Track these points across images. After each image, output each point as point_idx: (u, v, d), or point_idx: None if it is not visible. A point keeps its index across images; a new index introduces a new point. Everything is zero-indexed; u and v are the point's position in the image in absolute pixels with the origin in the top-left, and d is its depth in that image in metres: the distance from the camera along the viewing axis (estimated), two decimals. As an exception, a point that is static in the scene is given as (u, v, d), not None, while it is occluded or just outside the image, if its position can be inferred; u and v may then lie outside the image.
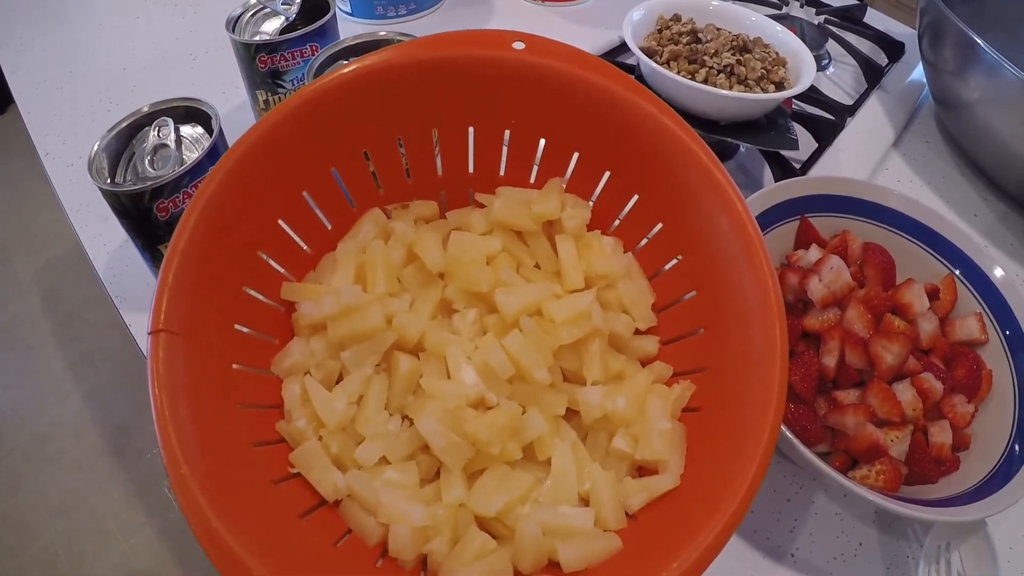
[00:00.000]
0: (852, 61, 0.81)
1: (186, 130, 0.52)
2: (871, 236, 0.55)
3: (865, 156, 0.70)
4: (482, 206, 0.47)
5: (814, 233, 0.54)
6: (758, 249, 0.38)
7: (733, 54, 0.61)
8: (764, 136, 0.60)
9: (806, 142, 0.68)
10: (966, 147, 0.74)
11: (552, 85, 0.43)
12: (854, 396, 0.47)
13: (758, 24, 0.67)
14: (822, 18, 0.83)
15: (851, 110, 0.73)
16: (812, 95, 0.72)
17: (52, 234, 1.84)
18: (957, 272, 0.54)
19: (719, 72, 0.60)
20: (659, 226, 0.45)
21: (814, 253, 0.52)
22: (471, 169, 0.48)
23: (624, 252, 0.46)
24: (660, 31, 0.65)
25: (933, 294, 0.53)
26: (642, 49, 0.62)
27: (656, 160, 0.42)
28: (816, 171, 0.66)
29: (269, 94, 0.62)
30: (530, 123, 0.45)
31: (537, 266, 0.46)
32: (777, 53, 0.64)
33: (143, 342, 0.52)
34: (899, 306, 0.50)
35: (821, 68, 0.82)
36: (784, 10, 0.85)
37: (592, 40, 0.79)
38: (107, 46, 0.80)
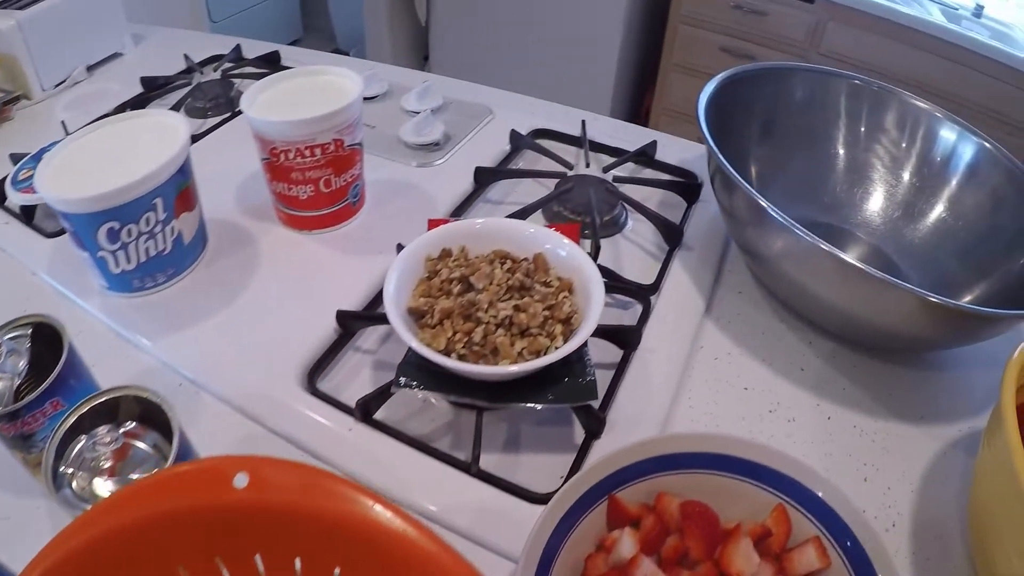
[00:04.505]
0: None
1: None
2: (692, 487, 0.50)
3: (675, 344, 0.65)
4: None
5: (623, 511, 0.49)
6: None
7: (510, 297, 0.56)
8: (559, 387, 0.55)
9: (612, 355, 0.64)
10: (779, 296, 0.71)
11: (284, 519, 0.37)
12: None
13: (537, 236, 0.62)
14: (610, 175, 0.80)
15: (653, 289, 0.69)
16: (611, 283, 0.67)
17: None
18: (786, 498, 0.50)
19: (497, 327, 0.55)
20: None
21: (627, 546, 0.47)
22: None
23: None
24: (430, 278, 0.59)
25: (764, 535, 0.49)
26: (411, 310, 0.56)
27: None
28: (626, 388, 0.61)
29: (25, 454, 0.54)
30: (279, 550, 0.39)
31: None
32: (559, 278, 0.59)
33: None
34: None
35: (619, 228, 0.78)
36: (572, 172, 0.81)
37: (364, 265, 0.73)
38: None
